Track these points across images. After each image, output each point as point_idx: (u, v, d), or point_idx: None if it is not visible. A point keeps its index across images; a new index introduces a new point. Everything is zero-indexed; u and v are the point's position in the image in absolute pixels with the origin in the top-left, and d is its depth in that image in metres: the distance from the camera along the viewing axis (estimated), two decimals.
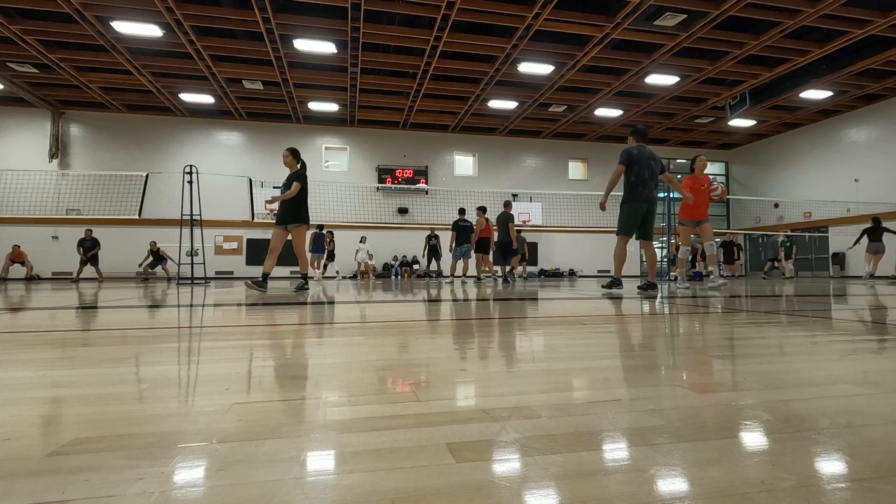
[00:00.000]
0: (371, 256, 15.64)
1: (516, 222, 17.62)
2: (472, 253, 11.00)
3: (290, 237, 5.91)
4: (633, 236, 5.55)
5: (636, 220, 5.44)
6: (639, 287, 5.47)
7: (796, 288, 7.29)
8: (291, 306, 3.76)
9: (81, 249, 13.56)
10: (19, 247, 14.38)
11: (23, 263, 14.27)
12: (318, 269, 13.63)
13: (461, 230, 10.92)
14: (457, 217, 11.14)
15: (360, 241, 15.41)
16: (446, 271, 13.46)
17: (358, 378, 1.22)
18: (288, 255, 16.52)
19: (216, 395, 1.05)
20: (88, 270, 13.83)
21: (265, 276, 5.73)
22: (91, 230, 13.89)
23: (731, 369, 1.35)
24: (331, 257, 14.25)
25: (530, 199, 18.35)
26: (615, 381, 1.19)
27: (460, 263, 11.17)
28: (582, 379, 1.23)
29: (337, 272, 14.75)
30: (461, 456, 0.70)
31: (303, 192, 5.86)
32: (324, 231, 13.91)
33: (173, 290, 6.81)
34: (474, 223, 10.95)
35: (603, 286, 5.74)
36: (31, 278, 14.34)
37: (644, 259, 5.85)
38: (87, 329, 2.34)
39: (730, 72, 13.09)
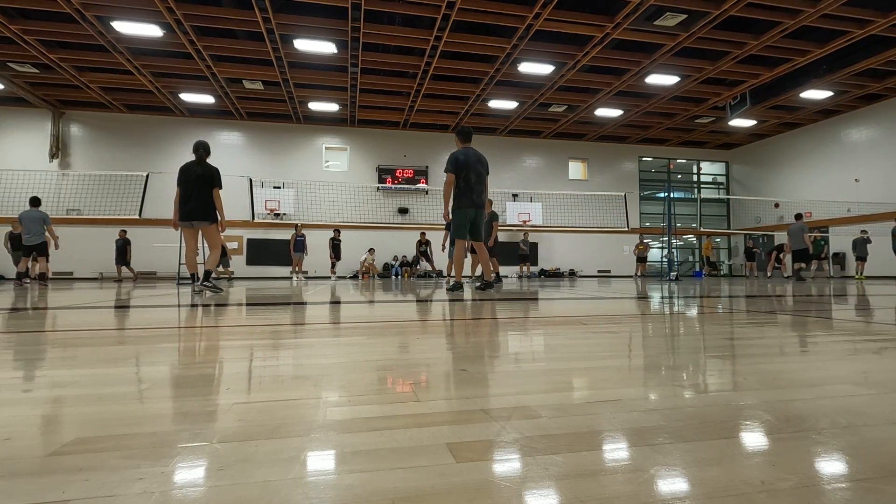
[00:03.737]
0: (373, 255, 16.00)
1: (516, 222, 17.71)
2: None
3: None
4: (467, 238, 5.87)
5: (466, 224, 5.75)
6: (476, 287, 5.82)
7: None
8: (290, 306, 3.76)
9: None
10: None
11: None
12: (299, 270, 13.64)
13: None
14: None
15: (369, 252, 16.02)
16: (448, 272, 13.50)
17: (358, 378, 1.22)
18: (281, 254, 16.45)
19: (216, 395, 1.05)
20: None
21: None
22: (125, 231, 14.26)
23: (731, 369, 1.35)
24: (337, 255, 14.29)
25: (530, 199, 18.35)
26: (615, 381, 1.19)
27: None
28: (582, 379, 1.23)
29: (304, 272, 14.80)
30: (461, 456, 0.70)
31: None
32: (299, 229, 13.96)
33: (173, 290, 6.81)
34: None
35: (448, 289, 5.98)
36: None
37: (480, 260, 6.07)
38: (87, 329, 2.34)
39: (730, 72, 13.09)
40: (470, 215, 5.73)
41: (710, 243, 18.53)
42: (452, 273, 11.25)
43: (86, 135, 16.15)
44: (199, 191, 5.65)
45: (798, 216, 12.66)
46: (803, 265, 12.35)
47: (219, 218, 5.79)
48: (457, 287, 5.82)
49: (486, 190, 5.85)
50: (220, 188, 5.78)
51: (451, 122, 17.38)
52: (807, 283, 9.39)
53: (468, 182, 5.63)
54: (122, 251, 14.14)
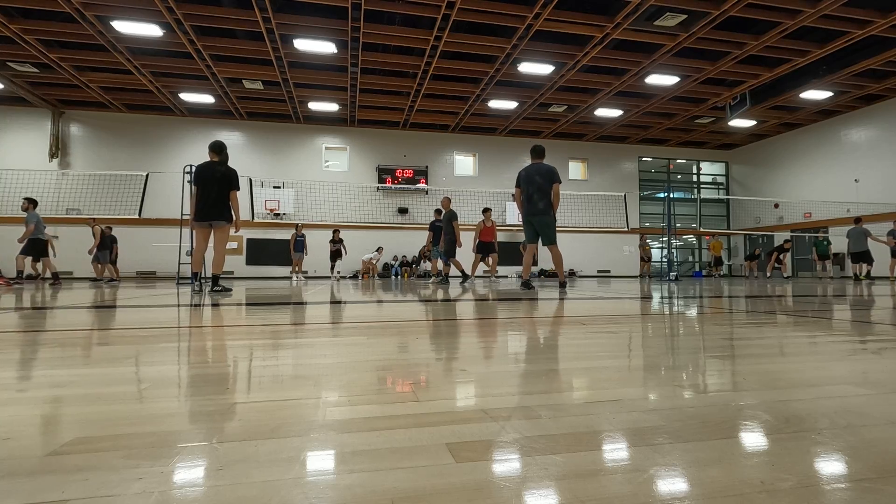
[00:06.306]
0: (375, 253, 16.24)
1: (517, 222, 17.73)
2: (473, 254, 11.08)
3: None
4: (539, 243, 6.58)
5: (530, 232, 6.56)
6: (561, 285, 6.51)
7: None
8: (290, 307, 3.76)
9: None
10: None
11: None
12: (299, 270, 13.64)
13: (437, 231, 10.99)
14: (433, 218, 11.25)
15: (377, 251, 16.31)
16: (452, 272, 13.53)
17: (358, 378, 1.22)
18: (280, 254, 16.35)
19: (216, 395, 1.05)
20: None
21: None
22: (110, 227, 13.09)
23: (730, 369, 1.35)
24: (337, 255, 14.27)
25: None
26: (615, 381, 1.19)
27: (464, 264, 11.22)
28: (582, 379, 1.23)
29: (304, 272, 14.83)
30: (461, 456, 0.70)
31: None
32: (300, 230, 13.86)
33: (173, 290, 6.81)
34: (484, 223, 10.96)
35: (523, 286, 6.48)
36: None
37: (553, 261, 6.75)
38: (87, 329, 2.34)
39: (730, 72, 13.08)
40: (532, 223, 6.49)
41: (720, 243, 18.47)
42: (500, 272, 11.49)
43: (85, 134, 16.14)
44: (218, 192, 5.79)
45: (857, 220, 13.00)
46: (868, 268, 12.83)
47: (234, 218, 5.92)
48: (527, 285, 6.37)
49: (551, 197, 6.43)
50: (238, 190, 5.93)
51: (451, 122, 17.38)
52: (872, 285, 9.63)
53: (527, 194, 6.46)
54: (108, 249, 12.88)
